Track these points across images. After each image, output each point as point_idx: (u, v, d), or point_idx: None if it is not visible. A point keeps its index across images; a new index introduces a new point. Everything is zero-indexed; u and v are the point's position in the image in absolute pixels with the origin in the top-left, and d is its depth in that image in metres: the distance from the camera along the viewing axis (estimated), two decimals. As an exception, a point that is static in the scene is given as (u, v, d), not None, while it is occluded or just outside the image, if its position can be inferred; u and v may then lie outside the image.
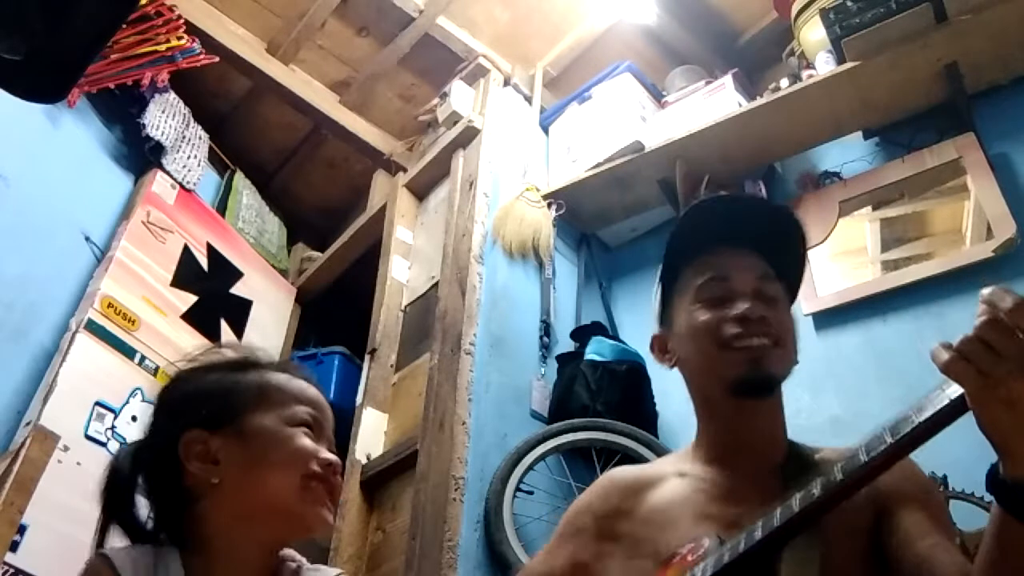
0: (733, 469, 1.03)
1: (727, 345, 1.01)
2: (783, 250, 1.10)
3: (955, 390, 0.72)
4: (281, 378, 1.00)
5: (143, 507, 0.97)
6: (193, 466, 0.92)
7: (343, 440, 2.56)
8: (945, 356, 0.70)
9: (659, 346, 1.14)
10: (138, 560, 0.89)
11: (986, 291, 0.70)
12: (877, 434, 0.77)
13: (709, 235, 1.09)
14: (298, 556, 1.01)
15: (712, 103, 2.75)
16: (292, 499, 0.91)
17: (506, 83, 3.20)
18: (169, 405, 1.00)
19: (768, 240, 1.09)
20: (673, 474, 1.08)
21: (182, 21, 2.86)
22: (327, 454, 0.95)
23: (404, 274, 2.98)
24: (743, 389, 1.01)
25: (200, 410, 0.95)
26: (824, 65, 2.50)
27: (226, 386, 0.97)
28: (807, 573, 0.86)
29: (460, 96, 3.09)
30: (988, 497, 1.74)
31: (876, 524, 0.94)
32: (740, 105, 2.65)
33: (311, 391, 1.00)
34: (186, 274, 2.90)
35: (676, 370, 1.11)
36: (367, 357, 2.80)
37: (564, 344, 2.59)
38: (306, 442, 0.94)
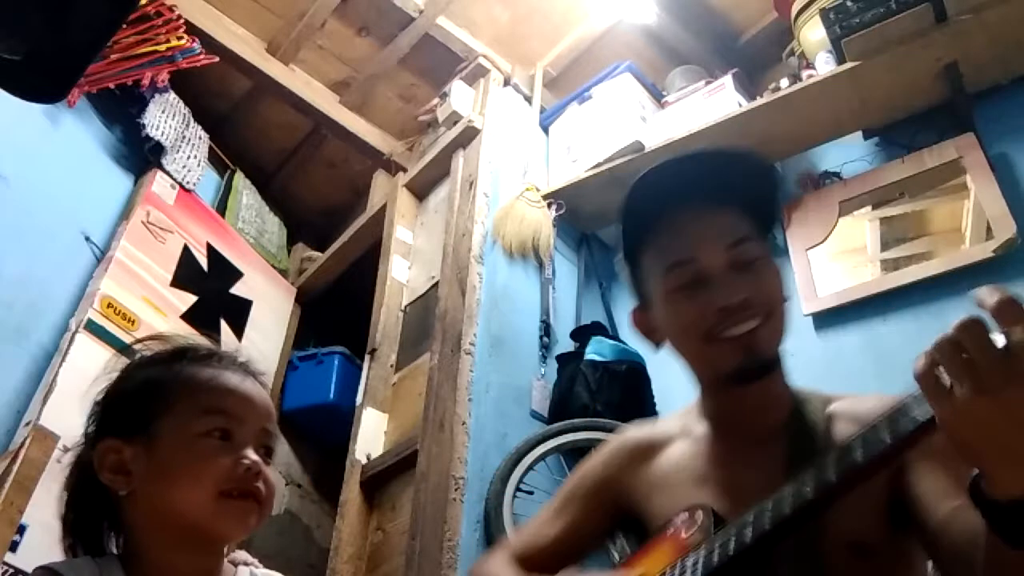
0: (733, 434, 1.01)
1: (713, 337, 0.96)
2: (750, 194, 1.01)
3: None
4: (206, 374, 0.92)
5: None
6: (105, 477, 0.89)
7: (343, 440, 2.57)
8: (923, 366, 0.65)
9: (640, 324, 1.08)
10: (82, 571, 0.86)
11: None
12: (875, 429, 0.74)
13: (665, 198, 1.00)
14: (250, 559, 0.98)
15: (712, 103, 2.75)
16: (202, 515, 0.86)
17: (506, 83, 3.20)
18: (97, 408, 0.97)
19: (730, 187, 0.99)
20: (679, 434, 1.07)
21: (182, 21, 2.86)
22: (247, 457, 0.88)
23: (404, 274, 2.98)
24: (741, 378, 0.96)
25: (117, 416, 0.93)
26: (824, 65, 2.50)
27: (149, 388, 0.93)
28: (813, 566, 0.85)
29: (460, 96, 3.09)
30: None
31: (896, 486, 0.88)
32: (740, 105, 2.65)
33: (240, 387, 0.92)
34: (186, 274, 2.89)
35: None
36: (367, 357, 2.79)
37: (564, 344, 2.59)
38: (213, 455, 0.87)
